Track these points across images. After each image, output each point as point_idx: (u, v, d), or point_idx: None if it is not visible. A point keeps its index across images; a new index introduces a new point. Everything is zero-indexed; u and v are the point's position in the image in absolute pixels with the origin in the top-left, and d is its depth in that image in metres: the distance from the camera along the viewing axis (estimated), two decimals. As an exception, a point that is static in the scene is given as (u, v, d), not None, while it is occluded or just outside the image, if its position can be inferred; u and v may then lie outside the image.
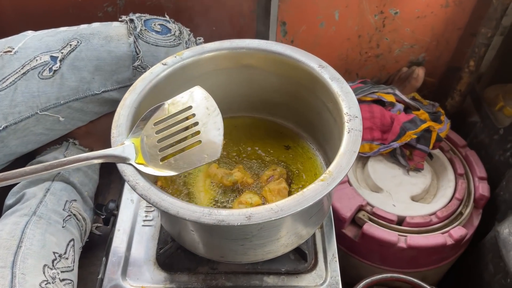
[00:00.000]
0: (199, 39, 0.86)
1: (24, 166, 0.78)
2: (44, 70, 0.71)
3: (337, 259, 0.66)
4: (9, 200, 0.68)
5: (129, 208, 0.72)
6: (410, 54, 1.08)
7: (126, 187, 0.75)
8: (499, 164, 0.94)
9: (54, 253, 0.57)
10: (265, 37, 1.04)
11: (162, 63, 0.64)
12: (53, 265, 0.56)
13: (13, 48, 0.71)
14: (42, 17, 0.97)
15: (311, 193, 0.49)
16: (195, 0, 0.98)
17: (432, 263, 0.86)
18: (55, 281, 0.56)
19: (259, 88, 0.71)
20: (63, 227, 0.63)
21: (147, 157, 0.53)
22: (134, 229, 0.69)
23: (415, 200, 0.88)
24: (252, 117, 0.77)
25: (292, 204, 0.48)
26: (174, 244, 0.65)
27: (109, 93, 0.77)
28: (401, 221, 0.84)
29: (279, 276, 0.63)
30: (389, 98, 0.93)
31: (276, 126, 0.75)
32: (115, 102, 0.77)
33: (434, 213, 0.84)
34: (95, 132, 0.82)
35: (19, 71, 0.70)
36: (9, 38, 0.74)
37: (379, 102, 0.94)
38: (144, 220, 0.70)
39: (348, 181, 0.89)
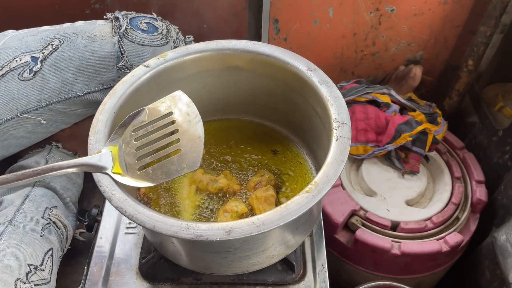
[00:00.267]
0: (188, 37, 0.83)
1: (5, 169, 0.76)
2: (24, 71, 0.68)
3: (326, 269, 0.63)
4: (-14, 207, 0.66)
5: (112, 214, 0.69)
6: (407, 52, 1.05)
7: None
8: (498, 166, 0.91)
9: (29, 265, 0.55)
10: (258, 34, 1.01)
11: (144, 65, 0.61)
12: (27, 279, 0.54)
13: (-9, 49, 0.68)
14: (27, 14, 0.94)
15: (295, 205, 0.46)
16: (185, -4, 0.95)
17: (427, 269, 0.84)
18: (29, 295, 0.54)
19: (246, 90, 0.69)
20: (41, 236, 0.60)
21: (125, 166, 0.51)
22: (117, 237, 0.67)
23: (410, 204, 0.86)
24: (239, 120, 0.74)
25: (275, 217, 0.45)
26: (157, 253, 0.62)
27: (93, 95, 0.74)
28: (395, 226, 0.82)
29: (266, 287, 0.61)
30: (384, 98, 0.90)
31: (264, 129, 0.73)
32: (99, 104, 0.75)
33: (429, 218, 0.82)
34: (79, 135, 0.79)
35: (-2, 72, 0.67)
36: (-12, 38, 0.71)
37: (374, 102, 0.91)
38: (128, 228, 0.68)
39: (341, 185, 0.87)
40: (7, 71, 0.68)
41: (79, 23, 0.75)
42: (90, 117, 0.78)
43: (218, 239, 0.44)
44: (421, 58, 1.07)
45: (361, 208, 0.83)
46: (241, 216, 0.60)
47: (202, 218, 0.61)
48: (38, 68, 0.69)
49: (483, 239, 0.85)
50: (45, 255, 0.59)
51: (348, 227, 0.83)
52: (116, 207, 0.47)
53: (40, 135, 0.74)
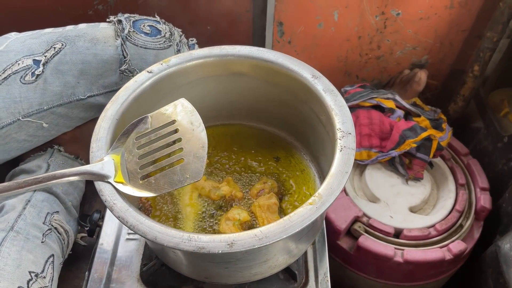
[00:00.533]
0: (192, 40, 0.82)
1: (6, 173, 0.76)
2: (27, 74, 0.68)
3: (328, 277, 0.63)
4: (-13, 211, 0.65)
5: (114, 220, 0.69)
6: (412, 56, 1.04)
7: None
8: (503, 173, 0.90)
9: (30, 272, 0.55)
10: (261, 37, 1.00)
11: (147, 71, 0.60)
12: (28, 287, 0.53)
13: (-6, 52, 0.68)
14: (30, 14, 0.94)
15: (298, 218, 0.46)
16: (189, -2, 0.94)
17: (430, 277, 0.83)
18: (30, 303, 0.53)
19: (250, 96, 0.68)
20: (42, 242, 0.60)
21: (127, 175, 0.50)
22: (119, 242, 0.66)
23: (414, 211, 0.85)
24: (242, 125, 0.73)
25: (277, 230, 0.45)
26: (159, 260, 0.62)
27: (95, 98, 0.73)
28: (398, 233, 0.81)
29: (268, 296, 0.61)
30: (389, 104, 0.89)
31: (267, 135, 0.72)
32: (102, 107, 0.74)
33: (433, 226, 0.81)
34: (81, 138, 0.79)
35: (0, 75, 0.67)
36: (-10, 40, 0.71)
37: (378, 107, 0.90)
38: (129, 233, 0.67)
39: (344, 190, 0.86)
40: (9, 74, 0.67)
41: (81, 26, 0.75)
42: (92, 121, 0.78)
43: (220, 252, 0.43)
44: (426, 62, 1.06)
45: (364, 215, 0.82)
46: (244, 224, 0.60)
47: (204, 225, 0.60)
48: (40, 71, 0.68)
49: (487, 247, 0.84)
50: (46, 262, 0.59)
51: (351, 233, 0.83)
52: (118, 217, 0.46)
53: (42, 138, 0.73)
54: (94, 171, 0.49)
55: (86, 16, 0.96)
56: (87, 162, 0.81)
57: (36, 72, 0.68)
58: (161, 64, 0.61)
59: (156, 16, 0.79)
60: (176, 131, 0.52)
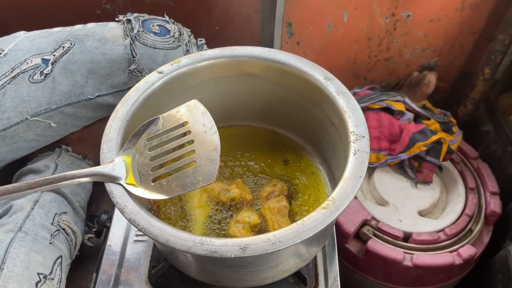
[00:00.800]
0: (200, 40, 0.82)
1: (14, 173, 0.76)
2: (35, 73, 0.67)
3: (338, 282, 0.62)
4: (-5, 211, 0.65)
5: (121, 221, 0.68)
6: (421, 58, 1.04)
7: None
8: (512, 177, 0.89)
9: (38, 274, 0.54)
10: (270, 38, 0.99)
11: (158, 71, 0.60)
12: (36, 288, 0.53)
13: (3, 50, 0.67)
14: (38, 13, 0.94)
15: (312, 222, 0.45)
16: (198, -2, 0.94)
17: (439, 281, 0.82)
18: (38, 305, 0.53)
19: (260, 97, 0.67)
20: (50, 243, 0.60)
21: (138, 176, 0.50)
22: (127, 244, 0.66)
23: (423, 215, 0.84)
24: (253, 127, 0.73)
25: (291, 234, 0.44)
26: (167, 263, 0.62)
27: (103, 98, 0.73)
28: (407, 237, 0.81)
29: (277, 300, 0.60)
30: (399, 106, 0.88)
31: (278, 137, 0.71)
32: (110, 107, 0.74)
33: (442, 230, 0.81)
34: (89, 138, 0.78)
35: (9, 74, 0.66)
36: (-1, 39, 0.70)
37: (388, 110, 0.90)
38: (137, 235, 0.67)
39: (353, 193, 0.85)
40: (17, 73, 0.67)
41: (90, 25, 0.74)
42: (100, 120, 0.77)
43: (233, 256, 0.43)
44: (436, 65, 1.05)
45: (373, 218, 0.82)
46: (253, 227, 0.59)
47: (213, 228, 0.60)
48: (49, 70, 0.68)
49: (496, 251, 0.84)
50: (54, 263, 0.58)
51: (359, 237, 0.82)
52: (129, 220, 0.46)
53: (50, 138, 0.73)
54: (105, 173, 0.49)
55: (94, 15, 0.95)
56: (95, 162, 0.81)
57: (45, 71, 0.68)
58: (172, 64, 0.61)
59: (165, 16, 0.78)
60: (188, 133, 0.51)
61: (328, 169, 0.67)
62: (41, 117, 0.69)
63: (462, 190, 0.87)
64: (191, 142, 0.51)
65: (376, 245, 0.78)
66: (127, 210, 0.46)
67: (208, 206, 0.62)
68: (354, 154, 0.50)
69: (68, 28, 0.73)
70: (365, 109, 0.89)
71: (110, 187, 0.48)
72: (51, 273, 0.56)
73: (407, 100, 0.90)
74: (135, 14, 0.76)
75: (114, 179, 0.49)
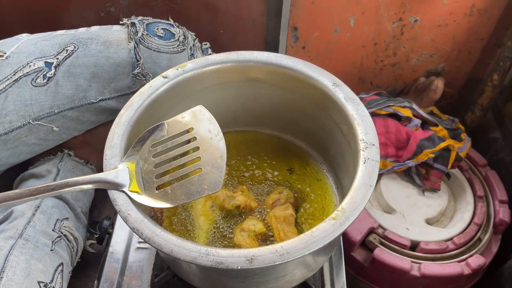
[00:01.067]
0: (205, 44, 0.81)
1: (15, 177, 0.74)
2: (38, 77, 0.66)
3: (345, 292, 0.61)
4: (-4, 216, 0.64)
5: (124, 227, 0.67)
6: (428, 64, 1.02)
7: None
8: (521, 185, 0.88)
9: (39, 282, 0.53)
10: (275, 42, 0.98)
11: (163, 76, 0.59)
12: (36, 298, 0.52)
13: (5, 53, 0.66)
14: (42, 16, 0.93)
15: (321, 233, 0.44)
16: (202, 1, 0.93)
17: (447, 292, 0.81)
18: (39, 314, 0.52)
19: (267, 103, 0.66)
20: (51, 250, 0.58)
21: (142, 184, 0.49)
22: (129, 251, 0.65)
23: (430, 223, 0.83)
24: (258, 132, 0.71)
25: (299, 246, 0.43)
26: (170, 271, 0.60)
27: (107, 102, 0.72)
28: (414, 246, 0.79)
29: (283, 311, 0.58)
30: (406, 112, 0.87)
31: (284, 143, 0.70)
32: (113, 111, 0.73)
33: (450, 239, 0.79)
34: (92, 142, 0.77)
35: (11, 77, 0.65)
36: (1, 41, 0.69)
37: (395, 116, 0.88)
38: (140, 242, 0.65)
39: (359, 200, 0.84)
40: (20, 76, 0.66)
41: (94, 28, 0.73)
42: (103, 125, 0.76)
43: (239, 268, 0.42)
44: (443, 70, 1.04)
45: (380, 226, 0.80)
46: (259, 235, 0.58)
47: (217, 236, 0.58)
48: (52, 74, 0.67)
49: (505, 260, 0.82)
50: (55, 271, 0.57)
51: (366, 245, 0.81)
52: (132, 229, 0.45)
53: (52, 142, 0.72)
54: (109, 180, 0.47)
55: (98, 18, 0.94)
56: (97, 167, 0.80)
57: (48, 75, 0.67)
58: (177, 69, 0.60)
59: (170, 19, 0.77)
60: (193, 139, 0.50)
61: (335, 176, 0.65)
62: (44, 121, 0.68)
63: (471, 198, 0.86)
64: (196, 149, 0.49)
65: (383, 254, 0.77)
66: (131, 218, 0.45)
67: (213, 214, 0.61)
68: (364, 163, 0.49)
69: (72, 31, 0.72)
70: (371, 115, 0.87)
71: (113, 194, 0.47)
72: (51, 281, 0.55)
73: (414, 106, 0.89)
74: (140, 18, 0.75)
75: (117, 186, 0.47)
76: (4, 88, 0.64)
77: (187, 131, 0.50)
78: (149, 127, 0.51)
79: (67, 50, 0.68)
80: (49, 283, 0.54)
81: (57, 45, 0.68)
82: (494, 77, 0.93)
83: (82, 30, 0.73)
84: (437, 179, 0.84)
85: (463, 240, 0.79)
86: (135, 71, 0.71)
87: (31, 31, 0.73)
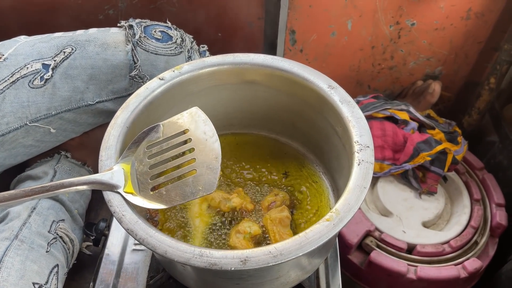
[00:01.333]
0: (203, 47, 0.81)
1: (12, 178, 0.75)
2: (35, 78, 0.67)
3: (341, 295, 0.61)
4: (-9, 218, 0.64)
5: (120, 229, 0.67)
6: (426, 67, 1.03)
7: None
8: (518, 189, 0.88)
9: (34, 284, 0.53)
10: (273, 45, 0.99)
11: (159, 78, 0.59)
12: (31, 299, 0.52)
13: (3, 55, 0.67)
14: (41, 18, 0.93)
15: (315, 235, 0.44)
16: (200, 5, 0.93)
17: (443, 295, 0.81)
18: (33, 316, 0.52)
19: (263, 105, 0.66)
20: (47, 251, 0.58)
21: (137, 185, 0.49)
22: (125, 253, 0.65)
23: (427, 226, 0.83)
24: (255, 135, 0.72)
25: (293, 247, 0.43)
26: (166, 273, 0.60)
27: (104, 104, 0.72)
28: (411, 249, 0.79)
29: (278, 313, 0.58)
30: (403, 115, 0.87)
31: (280, 145, 0.70)
32: (110, 113, 0.73)
33: (447, 242, 0.79)
34: (89, 144, 0.77)
35: (8, 79, 0.65)
36: (0, 43, 0.69)
37: (392, 119, 0.88)
38: (136, 244, 0.66)
39: (356, 203, 0.84)
40: (17, 78, 0.66)
41: (92, 30, 0.74)
42: (100, 127, 0.77)
43: (233, 269, 0.42)
44: (440, 74, 1.04)
45: (376, 229, 0.80)
46: (254, 237, 0.58)
47: (213, 238, 0.58)
48: (49, 75, 0.67)
49: (502, 264, 0.82)
50: (51, 272, 0.57)
51: (362, 248, 0.81)
52: (127, 230, 0.45)
53: (49, 144, 0.72)
54: (103, 181, 0.48)
55: (96, 20, 0.95)
56: (94, 169, 0.80)
57: (45, 77, 0.67)
58: (173, 71, 0.60)
59: (168, 22, 0.78)
60: (188, 141, 0.50)
61: (331, 178, 0.65)
62: (41, 122, 0.68)
63: (467, 201, 0.86)
64: (191, 150, 0.50)
65: (380, 257, 0.76)
66: (125, 219, 0.45)
67: (209, 216, 0.61)
68: (359, 165, 0.49)
69: (70, 33, 0.73)
70: (368, 118, 0.88)
71: (108, 195, 0.47)
72: (47, 282, 0.55)
73: (411, 109, 0.89)
74: (137, 20, 0.75)
75: (112, 188, 0.47)
76: (1, 89, 0.65)
77: (183, 133, 0.51)
78: (145, 128, 0.52)
79: (64, 52, 0.69)
80: (44, 284, 0.54)
81: (54, 47, 0.69)
82: (491, 81, 0.94)
83: (80, 32, 0.73)
84: (434, 182, 0.84)
85: (459, 243, 0.79)
86: (133, 73, 0.71)
87: (30, 34, 0.74)
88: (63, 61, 0.68)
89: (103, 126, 0.76)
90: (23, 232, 0.58)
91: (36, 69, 0.67)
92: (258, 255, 0.42)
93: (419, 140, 0.83)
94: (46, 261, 0.57)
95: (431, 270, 0.75)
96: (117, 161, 0.50)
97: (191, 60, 0.74)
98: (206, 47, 0.81)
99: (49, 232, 0.61)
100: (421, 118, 0.89)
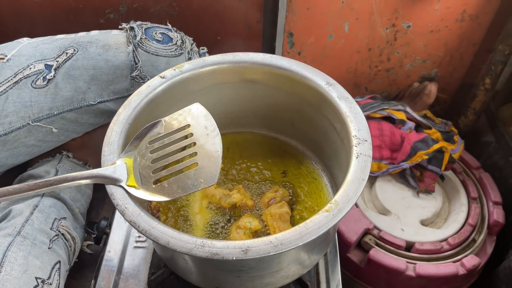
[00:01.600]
0: (202, 49, 0.82)
1: (14, 178, 0.75)
2: (38, 79, 0.68)
3: (341, 290, 0.61)
4: (-6, 216, 0.64)
5: (121, 227, 0.68)
6: (422, 69, 1.04)
7: (120, 204, 0.71)
8: (515, 188, 0.89)
9: (36, 278, 0.53)
10: (271, 48, 1.00)
11: (160, 76, 0.60)
12: (34, 293, 0.52)
13: (6, 56, 0.68)
14: (42, 22, 0.94)
15: (314, 225, 0.44)
16: (200, 8, 0.95)
17: (442, 292, 0.81)
18: (36, 310, 0.52)
19: (262, 103, 0.68)
20: (49, 248, 0.59)
21: (139, 179, 0.50)
22: (126, 250, 0.65)
23: (425, 224, 0.83)
24: (254, 133, 0.73)
25: (293, 237, 0.44)
26: (167, 269, 0.61)
27: (105, 104, 0.73)
28: (409, 246, 0.80)
29: (279, 308, 0.59)
30: (400, 115, 0.88)
31: (279, 143, 0.71)
32: (112, 113, 0.73)
33: (445, 240, 0.80)
34: (90, 144, 0.78)
35: (11, 79, 0.66)
36: (3, 45, 0.71)
37: (389, 119, 0.90)
38: (137, 241, 0.66)
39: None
40: (20, 78, 0.67)
41: (94, 33, 0.75)
42: (101, 127, 0.77)
43: (234, 258, 0.42)
44: (436, 76, 1.05)
45: (375, 227, 0.81)
46: (255, 233, 0.59)
47: (213, 234, 0.59)
48: (51, 76, 0.68)
49: (500, 262, 0.83)
50: (53, 268, 0.57)
51: (361, 246, 0.81)
52: (129, 222, 0.45)
53: (51, 143, 0.73)
54: (106, 175, 0.48)
55: (97, 24, 0.96)
56: (95, 168, 0.81)
57: (48, 77, 0.68)
58: (174, 69, 0.61)
59: (168, 24, 0.79)
60: (189, 135, 0.51)
61: (330, 175, 0.66)
62: (43, 122, 0.69)
63: (465, 200, 0.86)
64: (193, 144, 0.50)
65: (378, 254, 0.77)
66: (128, 212, 0.46)
67: (209, 212, 0.62)
68: (357, 158, 0.50)
69: (72, 35, 0.74)
70: (366, 118, 0.88)
71: (111, 189, 0.48)
72: (49, 278, 0.55)
73: (408, 109, 0.90)
74: (138, 22, 0.77)
75: (115, 181, 0.48)
76: (4, 89, 0.66)
77: (184, 128, 0.52)
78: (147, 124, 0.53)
79: (67, 53, 0.70)
80: (47, 279, 0.55)
81: (57, 48, 0.70)
82: (486, 81, 0.95)
83: (81, 34, 0.74)
84: (431, 180, 0.85)
85: (457, 240, 0.79)
86: (134, 74, 0.72)
87: (31, 37, 0.75)
88: (66, 62, 0.69)
89: (104, 127, 0.77)
90: (26, 229, 0.59)
91: (38, 70, 0.68)
92: (259, 245, 0.43)
93: (416, 139, 0.84)
94: (48, 257, 0.58)
95: (430, 267, 0.76)
96: (119, 156, 0.51)
97: (191, 61, 0.75)
98: (206, 49, 0.82)
99: (51, 229, 0.62)
100: (418, 118, 0.90)
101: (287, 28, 0.95)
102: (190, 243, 0.43)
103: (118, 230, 0.67)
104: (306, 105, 0.63)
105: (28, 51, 0.69)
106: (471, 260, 0.77)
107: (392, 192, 0.86)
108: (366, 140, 0.52)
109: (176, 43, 0.75)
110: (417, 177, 0.86)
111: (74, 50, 0.70)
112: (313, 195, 0.65)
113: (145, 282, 0.61)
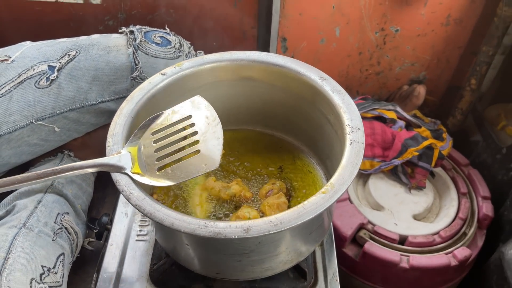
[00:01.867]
0: (200, 53, 0.85)
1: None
2: (41, 79, 0.70)
3: (337, 278, 0.63)
4: (-1, 212, 0.66)
5: (123, 222, 0.69)
6: (411, 72, 1.08)
7: (121, 200, 0.73)
8: (503, 183, 0.92)
9: (42, 266, 0.55)
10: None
11: (161, 73, 0.63)
12: (41, 279, 0.53)
13: (10, 57, 0.70)
14: (42, 30, 0.97)
15: (312, 205, 0.47)
16: (196, 15, 0.98)
17: (436, 285, 0.83)
18: (42, 296, 0.53)
19: (259, 100, 0.70)
20: (53, 240, 0.60)
21: (144, 166, 0.52)
22: (128, 244, 0.66)
23: (418, 219, 0.86)
24: (251, 130, 0.75)
25: (292, 216, 0.46)
26: (168, 260, 0.62)
27: (106, 104, 0.75)
28: (403, 240, 0.82)
29: (278, 295, 0.61)
30: (390, 114, 0.92)
31: (275, 139, 0.74)
32: (112, 113, 0.75)
33: (437, 233, 0.82)
34: (91, 144, 0.80)
35: (15, 80, 0.69)
36: (7, 47, 0.73)
37: (380, 118, 0.93)
38: (138, 235, 0.68)
39: (349, 199, 0.87)
40: (24, 78, 0.69)
41: (95, 36, 0.78)
42: (102, 127, 0.80)
43: (236, 237, 0.44)
44: (424, 78, 1.09)
45: (369, 222, 0.83)
46: (253, 222, 0.60)
47: (214, 224, 0.61)
48: (54, 76, 0.70)
49: (491, 255, 0.85)
50: (57, 259, 0.59)
51: (356, 241, 0.83)
52: (135, 205, 0.47)
53: (53, 143, 0.74)
54: (112, 163, 0.50)
55: (97, 31, 0.98)
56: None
57: (51, 77, 0.70)
58: (174, 67, 0.64)
59: (166, 28, 0.82)
60: (191, 125, 0.54)
61: (325, 168, 0.69)
62: (46, 121, 0.71)
63: (455, 195, 0.89)
64: (194, 133, 0.53)
65: (373, 248, 0.79)
66: (133, 197, 0.48)
67: (209, 204, 0.63)
68: (350, 144, 0.53)
69: (74, 39, 0.76)
70: (358, 118, 0.92)
71: (116, 176, 0.50)
72: (54, 267, 0.57)
73: (398, 109, 0.94)
74: (138, 26, 0.80)
75: (120, 169, 0.50)
76: (9, 89, 0.68)
77: (186, 118, 0.54)
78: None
79: (69, 55, 0.72)
80: (52, 268, 0.56)
81: (59, 50, 0.72)
82: (472, 82, 0.99)
83: (83, 37, 0.77)
84: (422, 177, 0.88)
85: (449, 233, 0.82)
86: (134, 75, 0.75)
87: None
88: (68, 63, 0.72)
89: (105, 127, 0.79)
90: (30, 221, 0.60)
91: (42, 70, 0.70)
92: (259, 224, 0.45)
93: (406, 137, 0.87)
94: (53, 248, 0.59)
95: (423, 259, 0.78)
96: (123, 146, 0.53)
97: (189, 63, 0.78)
98: (203, 53, 0.85)
99: (55, 222, 0.63)
100: (408, 117, 0.94)
101: (281, 33, 0.99)
102: (194, 223, 0.45)
103: (120, 224, 0.69)
104: (301, 100, 0.65)
105: (31, 53, 0.72)
106: (462, 252, 0.79)
107: (385, 189, 0.89)
108: (358, 129, 0.54)
109: (174, 46, 0.78)
110: (408, 174, 0.89)
111: (76, 52, 0.73)
112: (308, 188, 0.67)
113: (147, 273, 0.63)
